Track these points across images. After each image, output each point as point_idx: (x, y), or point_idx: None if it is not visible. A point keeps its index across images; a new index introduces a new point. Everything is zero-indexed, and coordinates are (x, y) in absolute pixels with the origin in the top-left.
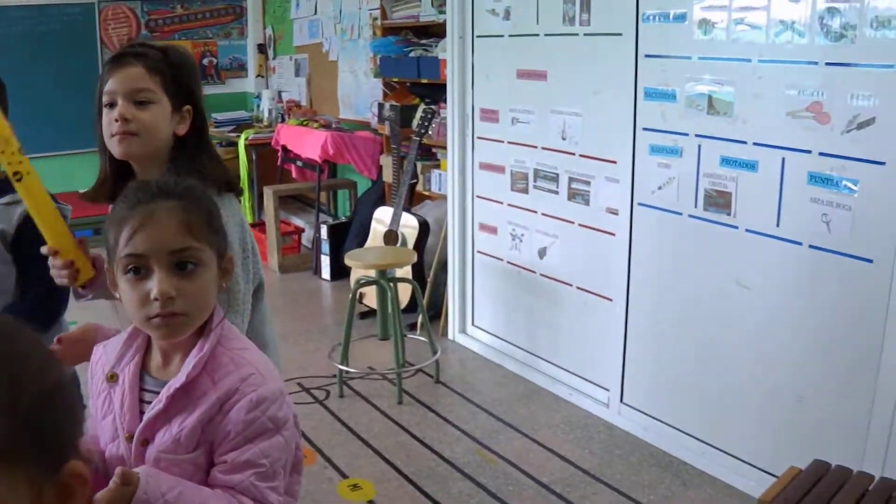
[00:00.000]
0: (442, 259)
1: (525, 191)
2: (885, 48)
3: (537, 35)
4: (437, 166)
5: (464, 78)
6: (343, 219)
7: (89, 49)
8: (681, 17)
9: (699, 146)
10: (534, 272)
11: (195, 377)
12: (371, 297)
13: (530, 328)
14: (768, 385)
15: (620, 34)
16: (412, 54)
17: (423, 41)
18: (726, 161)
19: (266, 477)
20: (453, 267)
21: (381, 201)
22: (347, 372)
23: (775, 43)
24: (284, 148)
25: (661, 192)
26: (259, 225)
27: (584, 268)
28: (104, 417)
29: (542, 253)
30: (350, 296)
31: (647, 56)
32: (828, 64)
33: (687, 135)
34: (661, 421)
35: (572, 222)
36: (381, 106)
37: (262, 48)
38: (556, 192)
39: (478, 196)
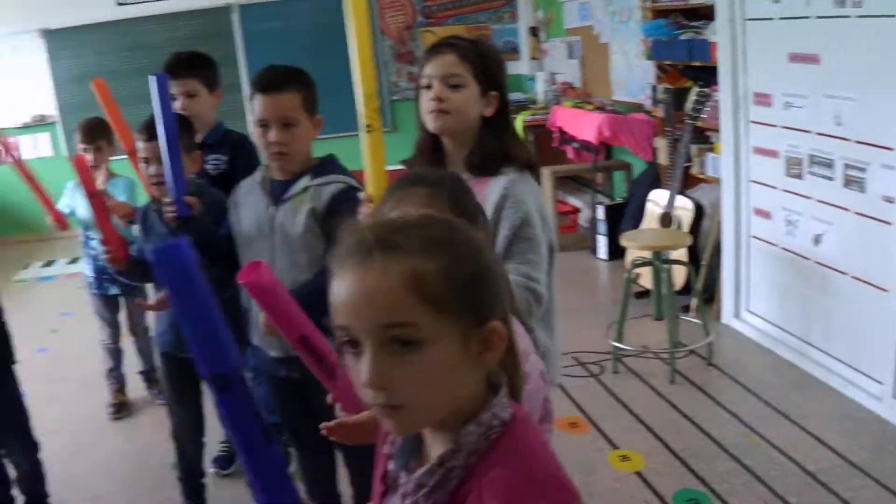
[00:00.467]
0: (716, 243)
1: (799, 176)
2: None
3: (808, 17)
4: (711, 149)
5: (735, 61)
6: (619, 200)
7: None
8: None
9: None
10: (808, 259)
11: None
12: (646, 278)
13: (804, 316)
14: None
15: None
16: (683, 37)
17: (694, 23)
18: None
19: None
20: (728, 251)
21: (656, 183)
22: (622, 349)
23: None
24: (560, 129)
25: None
26: None
27: (859, 256)
28: None
29: (816, 240)
30: (625, 275)
31: None
32: None
33: None
34: None
35: (847, 209)
36: (654, 88)
37: (533, 31)
38: (831, 179)
39: (752, 180)
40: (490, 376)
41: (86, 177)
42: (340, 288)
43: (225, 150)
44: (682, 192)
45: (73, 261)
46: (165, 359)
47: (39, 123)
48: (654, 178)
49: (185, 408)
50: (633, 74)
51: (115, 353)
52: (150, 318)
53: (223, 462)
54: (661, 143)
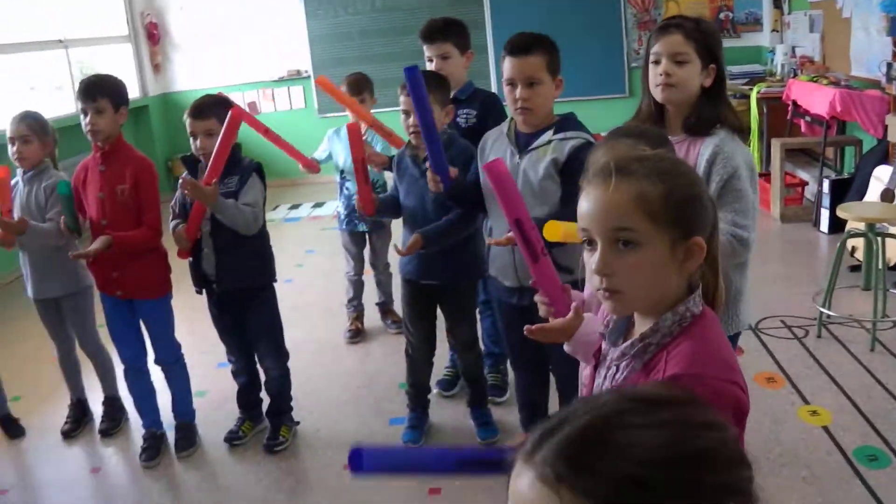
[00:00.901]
0: None
1: None
2: None
3: None
4: None
5: None
6: (846, 175)
7: (614, 4)
8: None
9: None
10: None
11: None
12: (861, 252)
13: None
14: None
15: None
16: None
17: None
18: None
19: None
20: None
21: (885, 160)
22: (828, 316)
23: None
24: (794, 103)
25: None
26: (765, 175)
27: None
28: None
29: None
30: (839, 244)
31: None
32: None
33: None
34: None
35: None
36: (889, 65)
37: (777, 3)
38: None
39: None
40: (691, 281)
41: (356, 141)
42: (586, 199)
43: (475, 105)
44: None
45: (318, 205)
46: (407, 284)
47: (294, 77)
48: (883, 155)
49: (419, 328)
50: (872, 50)
51: (358, 285)
52: (391, 255)
53: (446, 385)
54: (893, 121)
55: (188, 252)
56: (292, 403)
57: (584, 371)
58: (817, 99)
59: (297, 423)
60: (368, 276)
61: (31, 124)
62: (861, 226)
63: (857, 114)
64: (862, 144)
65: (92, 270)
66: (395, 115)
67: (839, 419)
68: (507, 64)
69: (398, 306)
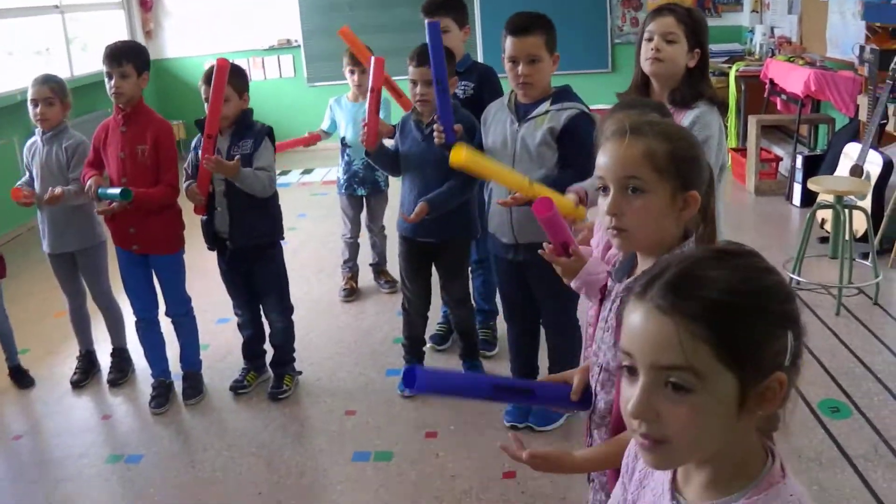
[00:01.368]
0: None
1: None
2: None
3: None
4: None
5: None
6: (819, 151)
7: None
8: None
9: None
10: None
11: None
12: (831, 224)
13: None
14: None
15: None
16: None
17: None
18: None
19: None
20: None
21: (856, 138)
22: (798, 282)
23: None
24: (772, 81)
25: None
26: (741, 150)
27: None
28: None
29: None
30: (809, 215)
31: None
32: None
33: None
34: None
35: None
36: (862, 48)
37: None
38: None
39: None
40: (687, 229)
41: (379, 72)
42: (604, 154)
43: (472, 77)
44: (874, 148)
45: (307, 171)
46: (405, 242)
47: (285, 46)
48: (853, 133)
49: (416, 284)
50: (847, 33)
51: (353, 247)
52: (387, 218)
53: (438, 339)
54: (864, 101)
55: (203, 208)
56: (294, 355)
57: (590, 311)
58: (793, 78)
59: (300, 373)
60: (362, 239)
61: (53, 87)
62: (830, 198)
63: (831, 93)
64: (834, 123)
65: (109, 226)
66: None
67: (806, 375)
68: (509, 43)
69: (391, 268)
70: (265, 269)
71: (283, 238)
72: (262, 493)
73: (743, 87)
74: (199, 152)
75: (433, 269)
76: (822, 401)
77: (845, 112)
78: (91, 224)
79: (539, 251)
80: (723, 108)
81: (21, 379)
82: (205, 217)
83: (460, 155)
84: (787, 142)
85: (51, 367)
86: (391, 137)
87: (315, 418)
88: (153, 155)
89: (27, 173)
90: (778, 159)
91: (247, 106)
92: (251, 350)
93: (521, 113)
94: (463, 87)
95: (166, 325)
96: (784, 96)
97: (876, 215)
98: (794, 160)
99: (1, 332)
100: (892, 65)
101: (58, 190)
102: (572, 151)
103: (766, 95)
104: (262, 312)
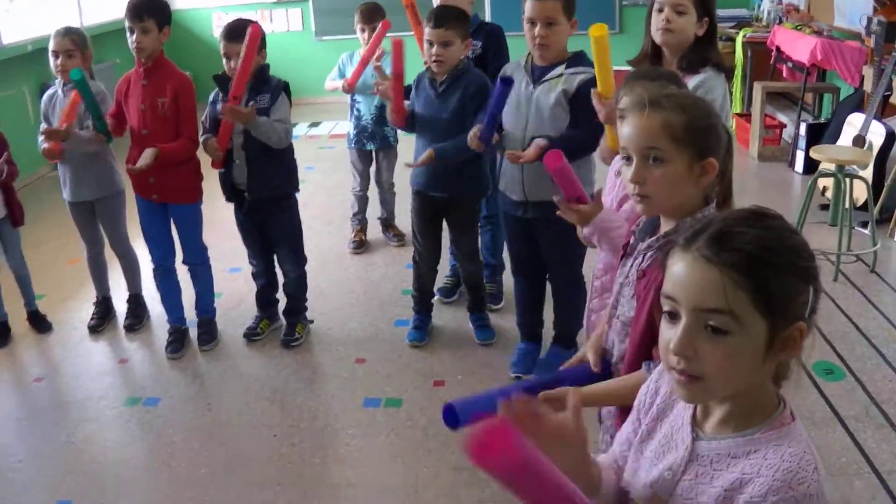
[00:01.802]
0: None
1: None
2: None
3: None
4: None
5: None
6: (823, 120)
7: None
8: None
9: None
10: None
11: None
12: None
13: None
14: None
15: None
16: None
17: None
18: None
19: None
20: None
21: (860, 108)
22: None
23: None
24: (778, 48)
25: None
26: (746, 116)
27: None
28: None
29: None
30: (810, 182)
31: None
32: None
33: None
34: None
35: None
36: (869, 19)
37: None
38: None
39: None
40: (706, 194)
41: (399, 57)
42: (626, 125)
43: (480, 36)
44: (878, 119)
45: (314, 125)
46: (417, 196)
47: (293, 0)
48: (858, 103)
49: (427, 238)
50: (855, 4)
51: (362, 200)
52: (397, 173)
53: (446, 292)
54: (869, 72)
55: (221, 163)
56: (306, 304)
57: (599, 265)
58: (800, 46)
59: (311, 321)
60: (371, 193)
61: (74, 38)
62: (832, 167)
63: (837, 63)
64: (839, 92)
65: (130, 175)
66: (406, 41)
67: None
68: (529, 4)
69: (399, 222)
70: (280, 220)
71: (298, 190)
72: (276, 435)
73: (749, 53)
74: (218, 108)
75: (444, 223)
76: (817, 363)
77: (850, 82)
78: (110, 173)
79: (557, 210)
80: (729, 73)
81: (39, 323)
82: (223, 170)
83: (602, 29)
84: (792, 109)
85: (67, 312)
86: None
87: (326, 365)
88: (173, 108)
89: (45, 124)
90: (782, 126)
91: (264, 62)
92: (264, 299)
93: (537, 75)
94: (472, 47)
95: (182, 273)
96: (790, 64)
97: (876, 185)
98: (797, 128)
99: (19, 277)
100: None
101: (63, 126)
102: (583, 114)
103: (772, 62)
104: (275, 262)
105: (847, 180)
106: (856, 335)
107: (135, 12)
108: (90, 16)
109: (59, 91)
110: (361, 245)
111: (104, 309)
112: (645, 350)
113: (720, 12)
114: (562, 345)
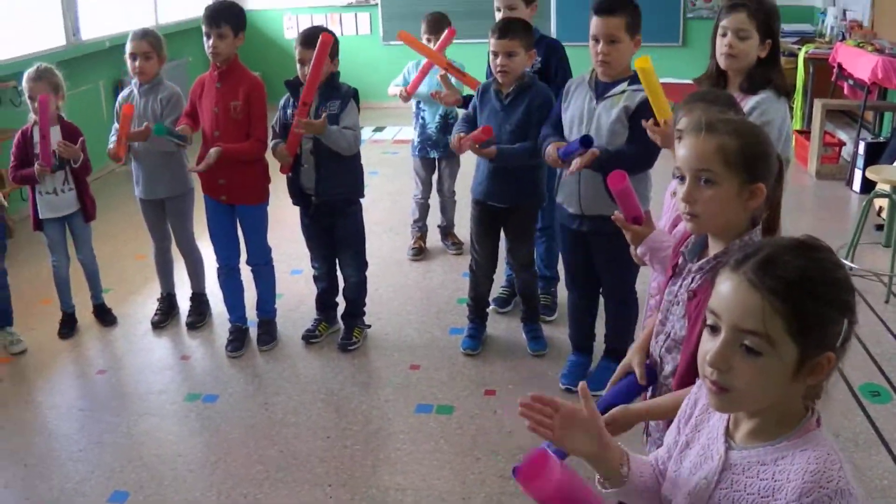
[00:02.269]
0: None
1: None
2: None
3: None
4: None
5: None
6: (882, 139)
7: None
8: None
9: None
10: None
11: None
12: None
13: None
14: None
15: None
16: None
17: None
18: None
19: None
20: None
21: None
22: (850, 268)
23: None
24: (840, 65)
25: None
26: (805, 133)
27: None
28: None
29: None
30: (865, 202)
31: None
32: None
33: None
34: None
35: None
36: None
37: None
38: None
39: None
40: (754, 217)
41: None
42: (682, 146)
43: (540, 51)
44: None
45: (378, 129)
46: (477, 206)
47: (362, 4)
48: None
49: (484, 247)
50: None
51: (424, 208)
52: (458, 183)
53: (501, 302)
54: None
55: (289, 168)
56: (364, 309)
57: (653, 283)
58: (861, 64)
59: (369, 326)
60: (433, 201)
61: (151, 41)
62: (888, 187)
63: None
64: None
65: (200, 176)
66: (467, 48)
67: (849, 359)
68: (593, 22)
69: (458, 231)
70: (345, 225)
71: (363, 195)
72: (330, 437)
73: (811, 70)
74: (289, 113)
75: (502, 233)
76: (864, 384)
77: None
78: (183, 172)
79: (612, 216)
80: (790, 95)
81: (105, 317)
82: (290, 175)
83: (646, 62)
84: (852, 126)
85: (132, 307)
86: (459, 106)
87: (382, 370)
88: (245, 110)
89: (117, 123)
90: (841, 144)
91: (335, 69)
92: (324, 302)
93: (600, 90)
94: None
95: (245, 274)
96: (851, 81)
97: None
98: (856, 146)
99: (88, 271)
100: None
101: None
102: (640, 131)
103: (833, 79)
104: (337, 266)
105: None
106: None
107: (212, 18)
108: (165, 14)
109: (136, 92)
110: (420, 252)
111: (168, 305)
112: (697, 368)
113: (784, 27)
114: (612, 358)
